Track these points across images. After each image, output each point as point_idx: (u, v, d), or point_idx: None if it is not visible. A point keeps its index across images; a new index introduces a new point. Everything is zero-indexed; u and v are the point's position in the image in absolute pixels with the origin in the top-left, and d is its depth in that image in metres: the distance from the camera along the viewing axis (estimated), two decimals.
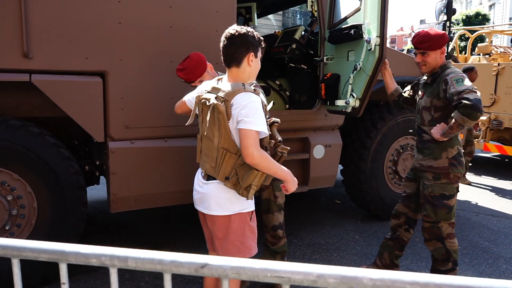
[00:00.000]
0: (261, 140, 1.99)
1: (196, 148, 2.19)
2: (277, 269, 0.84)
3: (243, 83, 1.99)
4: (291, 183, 2.05)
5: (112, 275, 0.91)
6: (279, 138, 2.16)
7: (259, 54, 2.09)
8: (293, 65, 4.45)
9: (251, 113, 1.89)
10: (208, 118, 2.00)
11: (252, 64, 2.04)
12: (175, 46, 3.07)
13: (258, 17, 5.02)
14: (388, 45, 3.69)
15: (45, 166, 2.84)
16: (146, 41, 2.99)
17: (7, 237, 2.82)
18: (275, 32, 4.98)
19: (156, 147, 3.15)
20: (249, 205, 2.11)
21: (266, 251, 3.01)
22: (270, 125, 2.17)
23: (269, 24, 15.47)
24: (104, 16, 2.83)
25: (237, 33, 1.99)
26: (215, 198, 2.06)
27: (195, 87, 2.53)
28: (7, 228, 2.80)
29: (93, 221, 4.42)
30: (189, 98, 2.37)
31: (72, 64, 2.80)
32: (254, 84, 2.34)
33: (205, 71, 2.65)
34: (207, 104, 1.99)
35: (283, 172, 2.02)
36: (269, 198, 2.90)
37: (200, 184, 2.14)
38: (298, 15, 18.49)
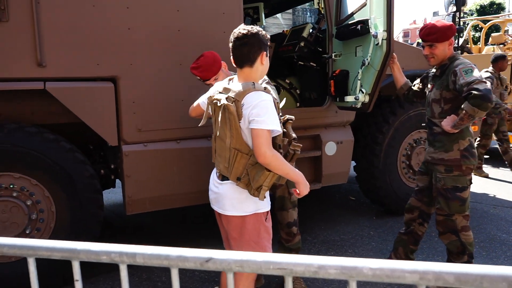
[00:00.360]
0: (274, 138, 2.00)
1: (211, 149, 2.21)
2: (279, 261, 0.87)
3: (253, 82, 2.00)
4: (303, 186, 2.05)
5: (122, 271, 0.95)
6: (294, 136, 2.15)
7: (269, 54, 2.12)
8: (302, 63, 4.47)
9: (262, 112, 1.90)
10: (219, 119, 2.02)
11: (264, 63, 2.06)
12: (184, 49, 3.12)
13: (266, 17, 5.05)
14: (401, 39, 3.69)
15: (61, 171, 2.91)
16: (155, 45, 3.04)
17: None
18: (283, 31, 5.00)
19: (169, 149, 3.21)
20: (264, 206, 2.11)
21: (281, 248, 3.03)
22: (284, 123, 2.18)
23: (278, 23, 15.49)
24: (113, 22, 2.90)
25: (249, 33, 1.99)
26: (230, 199, 2.07)
27: (209, 86, 2.56)
28: (27, 232, 2.89)
29: (110, 224, 4.51)
30: (203, 101, 2.41)
31: (84, 70, 2.87)
32: (266, 80, 2.37)
33: (219, 69, 2.68)
34: (218, 104, 2.02)
35: (295, 174, 2.02)
36: (283, 196, 2.90)
37: (215, 184, 2.16)
38: (308, 13, 18.44)
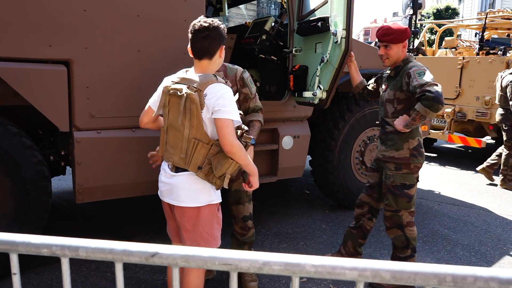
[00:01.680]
0: None
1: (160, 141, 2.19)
2: (225, 257, 0.88)
3: (214, 74, 2.04)
4: (257, 179, 2.18)
5: (64, 264, 0.92)
6: (246, 128, 2.19)
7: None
8: (263, 56, 4.48)
9: (227, 103, 1.96)
10: (180, 109, 2.00)
11: (222, 56, 2.12)
12: (143, 35, 3.04)
13: (229, 7, 5.00)
14: (362, 37, 3.77)
15: (6, 156, 2.77)
16: (113, 30, 2.94)
17: None
18: (245, 22, 4.98)
19: (123, 137, 3.13)
20: (217, 197, 2.16)
21: (234, 242, 3.03)
22: None
23: (241, 13, 15.39)
24: (68, 3, 2.77)
25: (211, 26, 2.02)
26: (185, 190, 2.07)
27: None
28: None
29: (60, 212, 4.36)
30: (154, 101, 2.30)
31: (35, 52, 2.73)
32: (240, 70, 2.56)
33: None
34: (179, 94, 2.00)
35: (253, 166, 2.14)
36: (239, 189, 2.88)
37: (167, 176, 2.14)
38: (273, 5, 18.45)
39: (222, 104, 1.94)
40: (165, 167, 2.18)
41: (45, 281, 2.97)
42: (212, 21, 2.05)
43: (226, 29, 2.13)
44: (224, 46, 2.10)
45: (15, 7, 2.62)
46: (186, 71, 2.14)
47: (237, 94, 2.42)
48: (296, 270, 0.86)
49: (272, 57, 4.40)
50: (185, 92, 1.97)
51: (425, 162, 7.07)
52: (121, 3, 2.93)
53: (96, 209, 4.43)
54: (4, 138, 2.76)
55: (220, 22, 2.10)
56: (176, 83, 2.06)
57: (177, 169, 2.09)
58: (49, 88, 2.80)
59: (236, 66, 2.73)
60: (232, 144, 1.96)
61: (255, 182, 2.20)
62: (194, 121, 1.97)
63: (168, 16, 3.12)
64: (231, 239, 3.07)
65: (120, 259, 0.89)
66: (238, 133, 2.11)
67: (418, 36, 8.93)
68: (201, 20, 2.05)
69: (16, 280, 0.94)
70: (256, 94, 2.77)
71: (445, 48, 8.68)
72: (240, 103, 2.66)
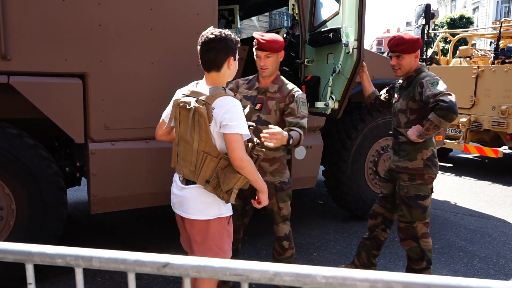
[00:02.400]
0: None
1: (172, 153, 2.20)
2: (236, 268, 0.88)
3: (223, 87, 2.02)
4: (266, 195, 2.16)
5: (78, 275, 0.93)
6: (257, 141, 2.18)
7: (237, 56, 2.12)
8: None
9: (235, 117, 1.93)
10: (189, 122, 2.00)
11: (232, 68, 2.08)
12: (156, 48, 3.09)
13: (241, 19, 5.06)
14: (375, 46, 3.77)
15: (23, 168, 2.83)
16: (127, 43, 3.00)
17: None
18: None
19: (137, 148, 3.17)
20: (227, 210, 2.15)
21: (273, 259, 2.93)
22: None
23: (254, 25, 15.52)
24: (83, 18, 2.84)
25: (216, 38, 1.99)
26: (195, 202, 2.07)
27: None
28: None
29: (75, 222, 4.41)
30: (167, 114, 2.30)
31: (51, 65, 2.80)
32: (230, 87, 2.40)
33: None
34: (187, 107, 2.00)
35: (263, 182, 2.12)
36: (272, 209, 2.78)
37: (178, 188, 2.15)
38: (285, 17, 18.56)
39: (229, 118, 1.92)
40: (176, 179, 2.19)
41: None
42: (219, 32, 2.02)
43: (237, 39, 2.11)
44: (233, 58, 2.06)
45: (32, 22, 2.70)
46: (197, 83, 2.14)
47: (247, 107, 2.36)
48: (307, 281, 0.86)
49: (284, 67, 4.42)
50: (193, 106, 1.96)
51: (441, 172, 6.99)
52: (135, 17, 2.99)
53: (110, 220, 4.47)
54: (21, 149, 2.82)
55: (230, 33, 2.07)
56: (186, 96, 2.07)
57: (187, 182, 2.09)
58: (65, 101, 2.86)
59: (293, 86, 2.72)
60: (241, 159, 1.94)
61: (264, 199, 2.16)
62: (202, 135, 1.97)
63: (181, 29, 3.17)
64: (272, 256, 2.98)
65: (133, 269, 0.90)
66: (250, 146, 2.10)
67: (432, 46, 8.88)
68: (209, 32, 2.02)
69: None
70: (305, 117, 2.61)
71: (459, 57, 8.60)
72: (284, 116, 2.63)
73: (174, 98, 2.19)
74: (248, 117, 2.62)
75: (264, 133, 2.18)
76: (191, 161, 2.02)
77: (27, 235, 2.89)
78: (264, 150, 2.21)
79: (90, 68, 2.90)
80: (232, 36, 2.07)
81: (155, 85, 3.10)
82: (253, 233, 3.50)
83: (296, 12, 3.97)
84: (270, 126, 2.28)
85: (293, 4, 3.95)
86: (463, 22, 26.31)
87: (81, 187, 4.79)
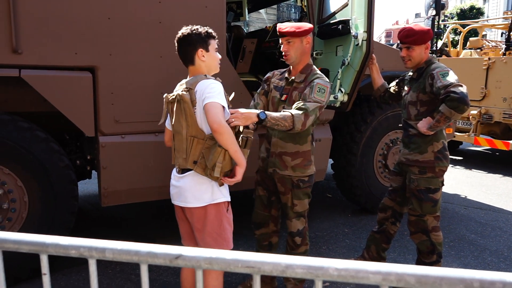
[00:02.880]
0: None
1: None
2: (248, 260, 0.88)
3: (205, 75, 2.14)
4: (242, 170, 2.11)
5: (91, 266, 0.94)
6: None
7: (212, 46, 2.18)
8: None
9: (213, 91, 2.03)
10: (175, 111, 2.11)
11: (205, 59, 2.17)
12: (165, 41, 3.08)
13: (249, 12, 5.04)
14: (383, 38, 3.73)
15: (35, 160, 2.86)
16: (136, 37, 3.00)
17: None
18: (266, 27, 5.00)
19: (146, 141, 3.18)
20: (222, 196, 2.17)
21: (286, 253, 2.89)
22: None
23: (263, 18, 15.45)
24: (93, 11, 2.84)
25: (182, 35, 2.15)
26: (191, 191, 2.12)
27: None
28: None
29: (85, 215, 4.46)
30: (168, 122, 2.38)
31: (62, 59, 2.81)
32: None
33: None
34: (173, 98, 2.12)
35: (242, 155, 2.10)
36: (286, 203, 2.72)
37: (175, 179, 2.21)
38: (293, 9, 18.45)
39: (208, 91, 2.02)
40: (174, 172, 2.26)
41: (72, 282, 3.04)
42: (186, 29, 2.15)
43: (205, 30, 2.16)
44: (202, 49, 2.13)
45: (43, 16, 2.71)
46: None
47: (232, 94, 2.30)
48: (319, 273, 0.86)
49: None
50: (177, 93, 2.08)
51: (451, 165, 6.93)
52: (144, 10, 2.99)
53: (120, 213, 4.51)
54: (33, 143, 2.85)
55: (196, 27, 2.14)
56: (175, 91, 2.20)
57: (182, 171, 2.15)
58: (75, 95, 2.88)
59: (319, 74, 2.56)
60: (219, 123, 1.96)
61: (240, 173, 2.10)
62: (189, 120, 2.07)
63: (190, 22, 3.12)
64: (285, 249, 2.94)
65: (145, 261, 0.91)
66: (237, 129, 2.14)
67: (442, 37, 8.77)
68: (179, 32, 2.16)
69: (46, 280, 0.97)
70: (316, 102, 2.41)
71: (469, 49, 8.49)
72: (298, 99, 2.51)
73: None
74: (274, 109, 2.64)
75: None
76: (183, 149, 2.11)
77: (39, 227, 2.93)
78: (252, 131, 2.19)
79: (100, 61, 2.91)
80: (200, 30, 2.16)
81: (164, 78, 3.10)
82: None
83: (305, 4, 3.94)
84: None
85: None
86: (473, 12, 25.93)
87: (91, 180, 4.84)
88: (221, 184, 2.14)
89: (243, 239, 3.76)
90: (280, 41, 2.62)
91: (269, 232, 2.92)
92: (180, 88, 2.17)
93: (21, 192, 2.89)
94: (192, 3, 3.16)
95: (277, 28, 2.60)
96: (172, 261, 0.89)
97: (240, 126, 2.16)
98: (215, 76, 2.22)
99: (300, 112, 2.34)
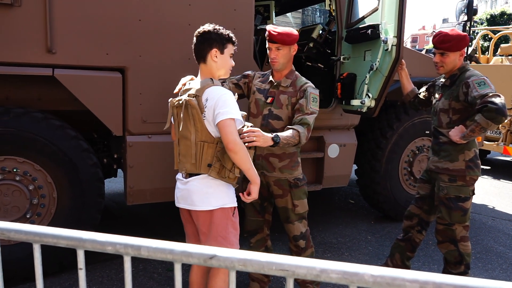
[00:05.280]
0: None
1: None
2: (282, 263, 0.88)
3: (211, 78, 2.11)
4: (257, 188, 2.14)
5: (126, 262, 0.96)
6: (250, 124, 2.21)
7: (228, 50, 2.16)
8: (310, 63, 4.46)
9: (225, 104, 2.00)
10: (184, 116, 2.09)
11: (217, 60, 2.13)
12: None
13: (276, 15, 5.04)
14: (409, 44, 3.68)
15: (65, 158, 2.93)
16: (165, 38, 3.05)
17: None
18: None
19: (172, 142, 3.20)
20: (231, 201, 2.17)
21: None
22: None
23: (288, 22, 15.44)
24: (124, 13, 2.90)
25: (202, 31, 2.13)
26: (198, 194, 2.11)
27: None
28: (28, 216, 2.91)
29: (110, 212, 4.53)
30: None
31: (93, 59, 2.88)
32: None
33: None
34: (180, 104, 2.11)
35: (255, 173, 2.12)
36: (286, 207, 2.67)
37: (181, 183, 2.19)
38: (318, 13, 18.39)
39: (221, 106, 1.99)
40: (179, 176, 2.24)
41: (97, 278, 3.09)
42: (208, 25, 2.14)
43: (229, 34, 2.15)
44: (216, 50, 2.10)
45: (76, 17, 2.78)
46: (192, 79, 2.24)
47: (236, 95, 2.29)
48: (354, 279, 0.85)
49: (318, 64, 4.38)
50: (184, 99, 2.07)
51: None
52: (173, 13, 3.04)
53: (144, 212, 4.57)
54: (63, 140, 2.92)
55: (218, 27, 2.14)
56: (180, 95, 2.18)
57: (190, 176, 2.14)
58: (105, 94, 2.94)
59: (306, 80, 2.63)
60: (234, 142, 1.97)
61: (255, 191, 2.14)
62: (197, 125, 2.05)
63: (219, 25, 3.18)
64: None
65: (180, 260, 0.91)
66: (244, 129, 2.13)
67: (471, 43, 8.57)
68: (201, 27, 2.15)
69: (82, 274, 0.99)
70: (314, 113, 2.52)
71: (500, 55, 8.27)
72: (294, 112, 2.57)
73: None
74: (259, 111, 2.65)
75: (244, 132, 2.14)
76: (191, 155, 2.09)
77: (67, 223, 2.99)
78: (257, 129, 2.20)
79: (130, 62, 2.97)
80: (221, 30, 2.14)
81: None
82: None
83: (333, 8, 3.91)
84: (249, 125, 2.23)
85: (330, 0, 3.90)
86: (504, 18, 25.28)
87: (115, 179, 4.91)
88: (236, 185, 2.15)
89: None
90: (267, 45, 2.60)
91: (264, 236, 2.88)
92: (185, 92, 2.14)
93: (50, 188, 2.96)
94: (221, 6, 3.18)
95: (268, 32, 2.57)
96: (206, 261, 0.90)
97: (244, 127, 2.16)
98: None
99: (304, 127, 2.46)
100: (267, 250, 2.92)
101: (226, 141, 1.98)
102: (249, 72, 2.81)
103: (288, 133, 2.39)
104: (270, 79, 2.68)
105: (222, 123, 1.98)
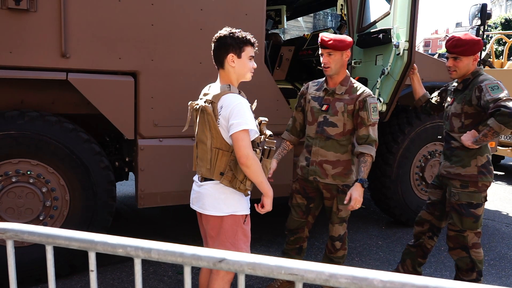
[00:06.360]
0: (252, 141, 2.06)
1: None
2: (291, 267, 0.88)
3: (229, 85, 2.09)
4: (270, 200, 2.14)
5: (137, 265, 0.97)
6: (269, 133, 2.18)
7: (246, 53, 2.11)
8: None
9: (239, 115, 1.98)
10: (201, 121, 2.10)
11: (235, 65, 2.10)
12: (205, 48, 3.13)
13: (287, 20, 5.06)
14: (422, 48, 3.67)
15: (77, 161, 2.97)
16: (177, 43, 3.08)
17: None
18: (304, 35, 5.00)
19: (183, 146, 3.24)
20: (243, 208, 2.16)
21: (324, 256, 2.97)
22: (259, 124, 2.23)
23: (299, 26, 15.47)
24: (137, 18, 2.94)
25: (218, 36, 2.10)
26: (210, 198, 2.11)
27: None
28: (41, 218, 2.95)
29: (120, 215, 4.57)
30: None
31: (106, 64, 2.92)
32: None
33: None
34: (197, 108, 2.12)
35: (268, 186, 2.12)
36: (331, 208, 2.80)
37: (197, 185, 2.21)
38: (329, 17, 18.37)
39: (234, 116, 1.98)
40: (195, 178, 2.25)
41: (107, 280, 3.12)
42: (224, 30, 2.09)
43: (246, 37, 2.10)
44: (233, 55, 2.06)
45: (90, 22, 2.83)
46: (210, 85, 2.23)
47: (255, 102, 2.33)
48: (363, 284, 0.84)
49: None
50: (201, 105, 2.07)
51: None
52: (185, 17, 3.07)
53: (154, 215, 4.60)
54: (76, 144, 2.96)
55: (234, 31, 2.08)
56: (200, 99, 2.18)
57: (205, 180, 2.14)
58: (117, 98, 2.98)
59: (364, 87, 2.67)
60: (247, 156, 1.96)
61: (268, 204, 2.15)
62: (213, 132, 2.05)
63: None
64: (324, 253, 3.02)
65: (189, 263, 0.92)
66: (261, 139, 2.12)
67: (485, 48, 8.48)
68: (218, 32, 2.12)
69: (93, 276, 1.00)
70: (376, 123, 2.61)
71: None
72: (356, 126, 2.63)
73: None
74: (314, 118, 2.66)
75: (345, 203, 2.49)
76: (207, 160, 2.09)
77: (79, 225, 3.03)
78: (275, 141, 2.18)
79: (142, 66, 3.00)
80: (237, 34, 2.08)
81: (203, 84, 3.11)
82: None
83: (345, 12, 3.91)
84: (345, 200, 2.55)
85: (341, 5, 3.90)
86: None
87: (127, 182, 4.96)
88: (247, 195, 2.14)
89: (275, 245, 3.75)
90: (320, 51, 2.62)
91: (303, 236, 2.98)
92: (204, 97, 2.14)
93: (63, 191, 3.00)
94: (232, 11, 3.21)
95: (320, 38, 2.61)
96: (215, 264, 0.90)
97: (262, 135, 2.15)
98: (243, 85, 2.19)
99: (372, 145, 2.59)
100: (300, 249, 3.02)
101: (238, 155, 1.98)
102: (303, 89, 2.88)
103: (365, 166, 2.55)
104: (324, 87, 2.72)
105: (236, 136, 1.97)
